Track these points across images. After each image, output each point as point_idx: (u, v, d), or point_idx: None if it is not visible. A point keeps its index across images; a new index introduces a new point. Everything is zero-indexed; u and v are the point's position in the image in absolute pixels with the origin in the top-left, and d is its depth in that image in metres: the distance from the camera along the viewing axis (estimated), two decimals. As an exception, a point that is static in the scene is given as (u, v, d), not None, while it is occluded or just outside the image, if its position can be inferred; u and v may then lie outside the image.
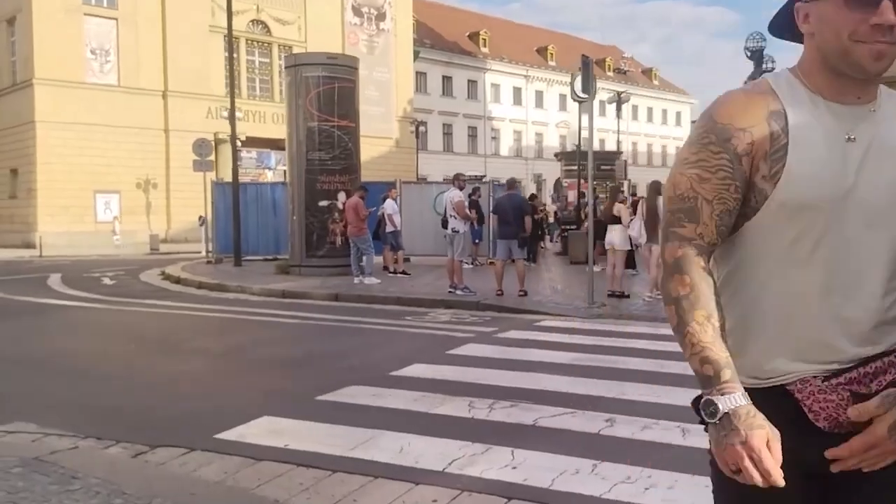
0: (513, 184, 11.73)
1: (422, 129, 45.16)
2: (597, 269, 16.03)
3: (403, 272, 14.99)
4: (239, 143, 30.96)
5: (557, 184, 55.53)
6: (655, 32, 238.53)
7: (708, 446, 1.42)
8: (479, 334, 8.59)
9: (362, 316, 10.32)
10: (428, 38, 55.80)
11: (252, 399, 5.88)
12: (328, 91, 14.94)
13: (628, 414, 5.20)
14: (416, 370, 6.76)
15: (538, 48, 66.26)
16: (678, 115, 77.58)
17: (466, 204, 11.75)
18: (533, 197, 19.81)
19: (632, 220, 11.04)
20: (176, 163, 34.78)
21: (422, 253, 18.06)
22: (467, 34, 61.05)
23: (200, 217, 25.04)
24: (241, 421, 5.18)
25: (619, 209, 10.97)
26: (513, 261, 11.56)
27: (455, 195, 11.64)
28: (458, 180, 11.89)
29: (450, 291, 11.80)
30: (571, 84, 19.45)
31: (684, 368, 5.57)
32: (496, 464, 4.29)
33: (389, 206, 14.81)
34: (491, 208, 11.81)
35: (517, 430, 4.94)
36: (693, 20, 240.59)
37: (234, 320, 10.30)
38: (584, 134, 21.45)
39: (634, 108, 67.01)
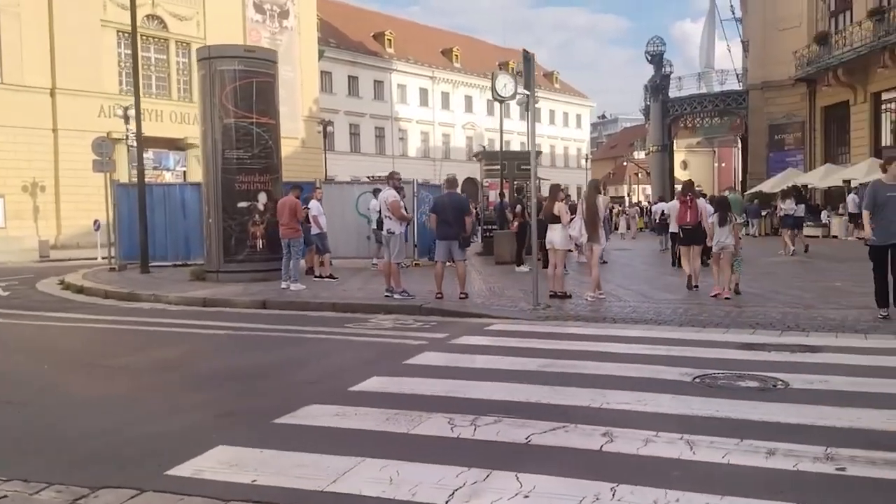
0: (453, 183, 11.29)
1: (329, 129, 44.15)
2: (525, 269, 15.99)
3: (331, 276, 14.29)
4: (136, 143, 29.31)
5: (468, 183, 55.57)
6: (552, 38, 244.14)
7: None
8: (431, 341, 8.09)
9: (297, 324, 9.63)
10: (333, 38, 54.75)
11: (200, 425, 5.18)
12: (246, 86, 14.07)
13: (623, 426, 4.83)
14: (377, 384, 6.20)
15: (443, 50, 66.28)
16: (578, 117, 79.37)
17: (401, 204, 11.18)
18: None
19: (572, 219, 10.80)
20: (66, 164, 32.56)
21: (344, 255, 17.38)
22: (372, 34, 60.35)
23: (96, 221, 23.41)
24: (194, 452, 4.50)
25: (560, 208, 10.70)
26: (453, 262, 11.11)
27: (390, 195, 11.08)
28: (392, 179, 11.33)
29: (386, 295, 11.24)
30: (493, 84, 19.28)
31: (657, 373, 5.27)
32: (505, 493, 3.82)
33: (314, 207, 14.09)
34: (429, 208, 11.36)
35: (513, 451, 4.49)
36: (588, 27, 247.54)
37: (155, 333, 9.39)
38: (500, 134, 21.15)
39: (537, 110, 67.89)
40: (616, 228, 33.15)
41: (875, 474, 3.94)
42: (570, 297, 10.92)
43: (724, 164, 78.87)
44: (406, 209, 11.60)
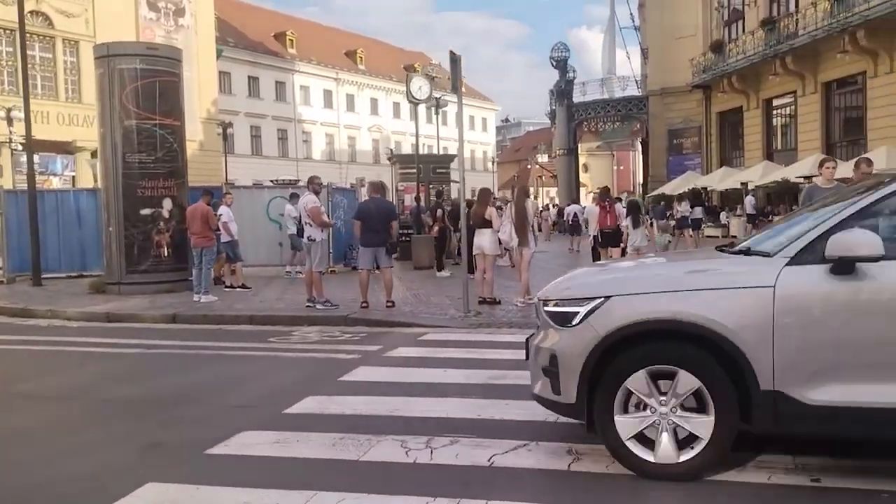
0: (379, 187, 10.90)
1: (229, 131, 42.71)
2: (445, 273, 15.76)
3: (243, 286, 13.59)
4: (19, 147, 27.29)
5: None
6: (452, 42, 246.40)
7: None
8: (364, 354, 7.69)
9: (215, 340, 9.01)
10: (231, 37, 53.08)
11: (125, 458, 4.63)
12: (148, 85, 13.21)
13: (584, 442, 4.60)
14: (315, 405, 5.78)
15: (347, 51, 65.46)
16: (484, 121, 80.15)
17: (323, 210, 10.69)
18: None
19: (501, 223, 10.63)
20: (-62, 169, 30.09)
21: (255, 263, 16.64)
22: (273, 34, 58.88)
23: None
24: (121, 491, 4.02)
25: (492, 213, 10.50)
26: (377, 269, 10.71)
27: (310, 200, 10.56)
28: (312, 184, 10.82)
29: (308, 305, 10.73)
30: (407, 86, 19.04)
31: None
32: (483, 524, 3.52)
33: (225, 213, 13.36)
34: (354, 213, 10.95)
35: (478, 475, 4.19)
36: (487, 32, 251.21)
37: (57, 353, 8.55)
38: (416, 138, 20.93)
39: (444, 113, 68.10)
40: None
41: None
42: (499, 303, 10.73)
43: (622, 168, 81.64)
44: (328, 215, 11.14)
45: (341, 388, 6.29)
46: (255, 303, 11.77)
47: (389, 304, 10.61)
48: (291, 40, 59.33)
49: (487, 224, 10.51)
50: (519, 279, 10.87)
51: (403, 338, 8.67)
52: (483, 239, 10.58)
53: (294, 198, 15.42)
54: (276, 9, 70.67)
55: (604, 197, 13.40)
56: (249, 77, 55.00)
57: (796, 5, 29.97)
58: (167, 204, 13.35)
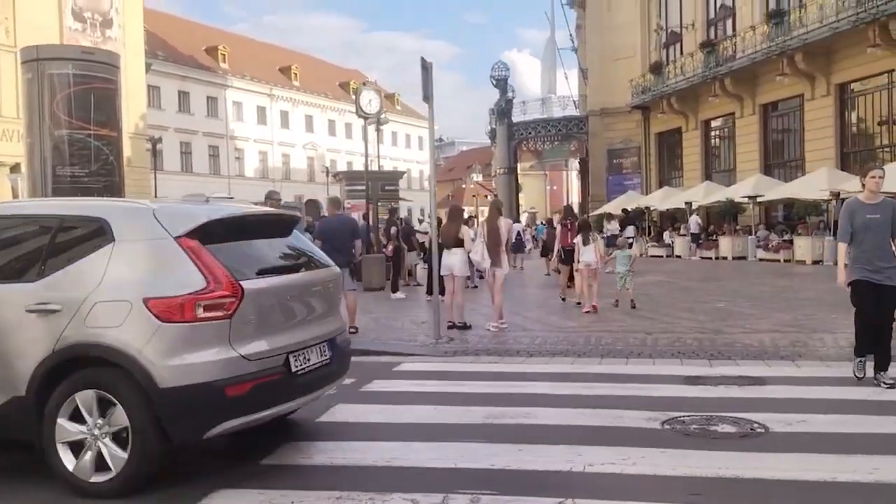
0: (339, 203, 10.15)
1: (158, 146, 41.02)
2: (400, 296, 15.04)
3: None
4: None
5: (310, 205, 53.88)
6: (384, 60, 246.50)
7: None
8: (338, 389, 6.88)
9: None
10: (161, 50, 51.29)
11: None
12: (82, 93, 12.02)
13: (631, 498, 4.01)
14: (295, 453, 5.04)
15: (281, 67, 64.22)
16: (420, 139, 79.74)
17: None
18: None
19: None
20: None
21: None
22: (204, 48, 57.24)
23: None
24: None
25: (465, 232, 9.88)
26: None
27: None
28: (271, 200, 10.00)
29: (263, 333, 9.85)
30: (357, 101, 18.33)
31: (619, 419, 4.34)
32: None
33: (167, 232, 12.33)
34: (315, 233, 10.15)
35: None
36: (419, 52, 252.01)
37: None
38: (365, 155, 20.19)
39: (380, 131, 67.49)
40: None
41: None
42: (469, 327, 10.09)
43: (555, 188, 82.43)
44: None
45: (322, 432, 5.54)
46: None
47: (353, 329, 9.81)
48: (224, 55, 57.78)
49: (459, 243, 9.88)
50: (491, 302, 10.26)
51: (377, 368, 7.92)
52: (453, 259, 9.94)
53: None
54: (208, 23, 68.73)
55: (566, 216, 13.91)
56: (180, 92, 53.22)
57: (734, 28, 30.63)
58: (102, 222, 12.26)
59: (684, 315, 11.07)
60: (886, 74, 23.31)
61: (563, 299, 13.20)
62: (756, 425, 5.25)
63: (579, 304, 12.22)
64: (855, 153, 25.43)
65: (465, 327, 10.04)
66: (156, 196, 36.24)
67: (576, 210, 46.07)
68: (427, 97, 9.09)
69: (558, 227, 13.65)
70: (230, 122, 57.18)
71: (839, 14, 23.15)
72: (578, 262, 12.10)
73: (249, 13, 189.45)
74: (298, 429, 5.60)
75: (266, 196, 10.17)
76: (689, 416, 5.52)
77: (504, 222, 10.08)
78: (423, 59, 9.16)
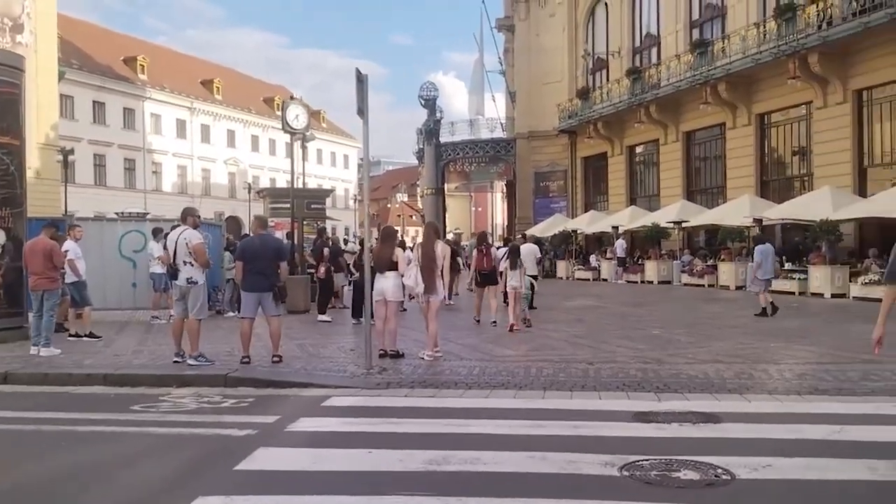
0: (264, 222, 9.43)
1: (70, 158, 38.91)
2: (326, 318, 14.32)
3: (91, 334, 11.52)
4: None
5: (231, 222, 52.17)
6: (310, 78, 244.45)
7: None
8: (261, 429, 6.20)
9: (60, 408, 7.16)
10: (76, 59, 49.13)
11: None
12: (-21, 96, 11.05)
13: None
14: (208, 512, 4.32)
15: (203, 80, 62.52)
16: (346, 157, 78.91)
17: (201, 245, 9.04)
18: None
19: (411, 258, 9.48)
20: None
21: (102, 307, 14.42)
22: (122, 58, 55.15)
23: None
24: None
25: (399, 255, 9.31)
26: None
27: (194, 237, 8.93)
28: (192, 217, 9.19)
29: (176, 361, 9.03)
30: (283, 115, 17.56)
31: (574, 464, 3.88)
32: None
33: (72, 249, 11.33)
34: (237, 254, 9.38)
35: None
36: (345, 71, 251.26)
37: None
38: (291, 171, 19.42)
39: (305, 148, 66.22)
40: None
41: None
42: (402, 356, 9.50)
43: (480, 209, 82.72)
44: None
45: (243, 484, 4.83)
46: (108, 357, 9.83)
47: (276, 358, 9.12)
48: (143, 66, 55.78)
49: (393, 266, 9.30)
50: (425, 329, 9.70)
51: (303, 404, 7.24)
52: (386, 283, 9.35)
53: (157, 233, 13.54)
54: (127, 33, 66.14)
55: (481, 241, 14.75)
56: (95, 102, 50.99)
57: (659, 56, 31.27)
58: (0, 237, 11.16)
59: (623, 343, 10.77)
60: (804, 106, 24.06)
61: (478, 321, 13.69)
62: (720, 471, 4.85)
63: (494, 322, 13.06)
64: (774, 181, 26.15)
65: (397, 356, 9.45)
66: (65, 210, 34.27)
67: (500, 232, 45.84)
68: (362, 110, 8.52)
69: (474, 252, 14.15)
70: (148, 135, 55.10)
71: (761, 46, 23.84)
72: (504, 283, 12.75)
73: (171, 26, 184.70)
74: (213, 479, 4.89)
75: (183, 212, 9.35)
76: (647, 460, 5.09)
77: (441, 246, 9.56)
78: (358, 70, 8.61)
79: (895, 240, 18.96)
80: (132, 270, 15.34)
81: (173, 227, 9.92)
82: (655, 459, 5.09)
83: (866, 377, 7.83)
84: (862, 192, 21.72)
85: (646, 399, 7.13)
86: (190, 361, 8.89)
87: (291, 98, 18.88)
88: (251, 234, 10.33)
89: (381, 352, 9.44)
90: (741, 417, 6.34)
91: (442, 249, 9.48)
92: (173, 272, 8.97)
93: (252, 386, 8.14)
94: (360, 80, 8.57)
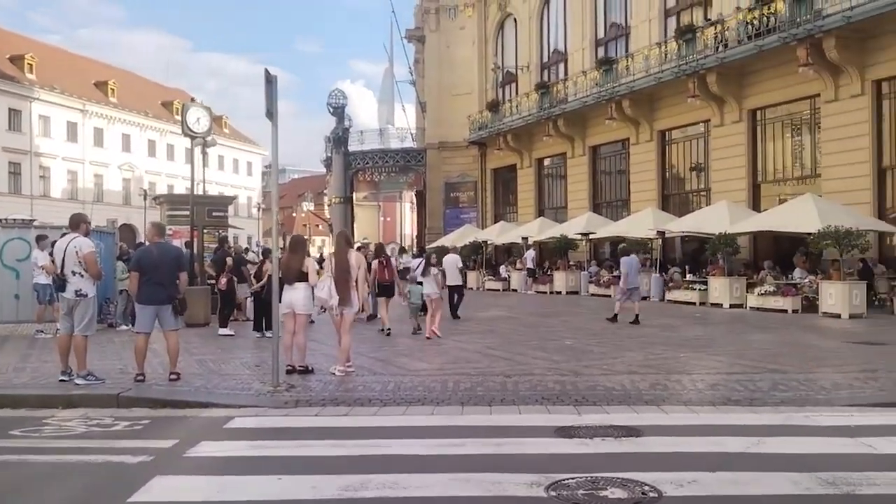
0: (162, 230, 8.79)
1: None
2: (228, 331, 13.64)
3: (-35, 352, 10.52)
4: None
5: (125, 230, 49.62)
6: (212, 83, 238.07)
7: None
8: (157, 455, 5.67)
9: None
10: (-45, 54, 45.90)
11: None
12: None
13: None
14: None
15: (97, 82, 59.58)
16: (249, 164, 76.95)
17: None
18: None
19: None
20: None
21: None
22: (9, 56, 51.87)
23: None
24: None
25: (310, 265, 8.87)
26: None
27: (84, 245, 8.22)
28: (84, 224, 8.47)
29: (63, 380, 8.29)
30: (183, 118, 16.74)
31: (499, 485, 3.70)
32: None
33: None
34: (132, 264, 8.66)
35: None
36: (248, 76, 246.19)
37: None
38: (192, 176, 18.58)
39: (206, 154, 64.04)
40: None
41: None
42: (312, 371, 9.05)
43: (388, 219, 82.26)
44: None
45: (135, 517, 4.34)
46: (-17, 376, 8.95)
47: (174, 376, 8.50)
48: (31, 65, 52.67)
49: (302, 277, 8.86)
50: (337, 342, 9.29)
51: (204, 425, 6.72)
52: (296, 295, 8.89)
53: (42, 240, 12.56)
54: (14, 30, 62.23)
55: (379, 253, 14.78)
56: (-25, 101, 47.74)
57: (566, 72, 31.87)
58: None
59: (538, 354, 10.66)
60: (703, 124, 24.97)
61: (381, 330, 13.59)
62: (647, 488, 4.71)
63: (389, 331, 13.38)
64: (675, 195, 27.02)
65: (306, 371, 8.99)
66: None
67: (408, 243, 45.68)
68: (271, 112, 8.08)
69: (374, 263, 13.97)
70: (35, 138, 51.98)
71: (663, 65, 24.61)
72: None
73: (62, 25, 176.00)
74: (102, 515, 4.38)
75: (72, 219, 8.60)
76: (573, 478, 4.89)
77: (355, 256, 9.18)
78: (267, 71, 8.16)
79: (787, 252, 19.98)
80: (15, 281, 14.26)
81: (62, 235, 9.15)
82: (581, 478, 4.91)
83: (775, 387, 7.96)
84: (756, 206, 22.69)
85: (566, 413, 6.98)
86: (77, 380, 8.17)
87: (192, 100, 18.01)
88: (147, 243, 9.64)
89: (289, 367, 8.96)
90: (662, 430, 6.28)
91: (356, 259, 9.12)
92: (60, 283, 8.23)
93: (147, 407, 7.53)
94: (270, 80, 8.14)
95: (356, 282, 9.02)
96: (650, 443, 5.88)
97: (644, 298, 22.04)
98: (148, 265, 8.32)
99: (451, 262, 17.56)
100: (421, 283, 13.74)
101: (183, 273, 8.57)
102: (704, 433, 6.18)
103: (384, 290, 14.21)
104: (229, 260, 14.36)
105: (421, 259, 17.30)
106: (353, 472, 5.08)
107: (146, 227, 9.22)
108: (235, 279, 15.18)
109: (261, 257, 16.72)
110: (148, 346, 8.66)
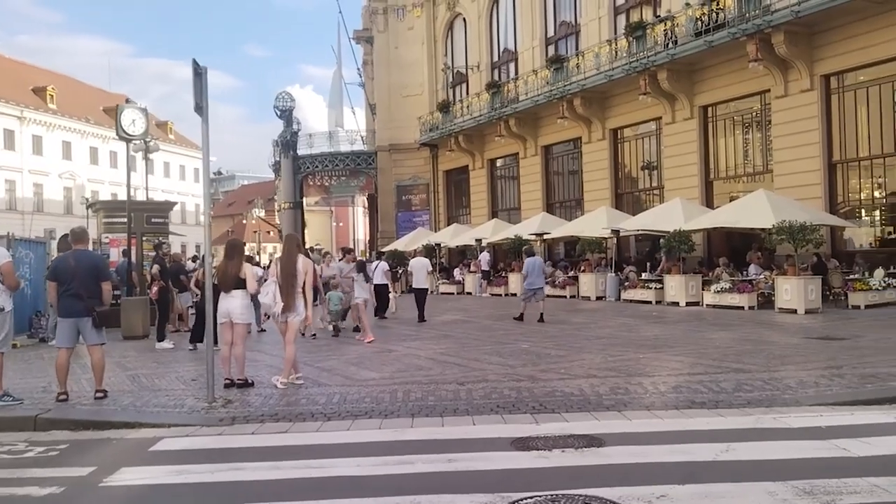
0: (82, 236, 8.08)
1: None
2: (167, 345, 12.90)
3: None
4: None
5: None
6: (157, 89, 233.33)
7: None
8: (68, 485, 5.04)
9: None
10: None
11: None
12: None
13: None
14: None
15: (35, 88, 57.52)
16: (196, 171, 75.14)
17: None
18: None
19: (264, 282, 8.46)
20: None
21: None
22: (-63, 61, 49.80)
23: None
24: None
25: (248, 271, 8.26)
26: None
27: (1, 255, 7.52)
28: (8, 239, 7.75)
29: (-26, 403, 7.54)
30: (117, 120, 15.93)
31: None
32: None
33: None
34: (48, 273, 7.90)
35: None
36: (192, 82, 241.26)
37: None
38: (127, 181, 17.86)
39: (151, 161, 62.28)
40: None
41: None
42: (252, 385, 8.45)
43: (341, 224, 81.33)
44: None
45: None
46: None
47: (100, 394, 7.83)
48: (-37, 69, 50.59)
49: (240, 284, 8.26)
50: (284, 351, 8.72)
51: (127, 448, 6.10)
52: (233, 303, 8.28)
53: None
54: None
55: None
56: None
57: (516, 71, 31.62)
58: None
59: (493, 359, 10.21)
60: (655, 121, 24.91)
61: (303, 334, 13.07)
62: (613, 506, 4.27)
63: (314, 335, 13.60)
64: (628, 194, 26.92)
65: (246, 385, 8.39)
66: None
67: (361, 247, 44.88)
68: (200, 107, 7.47)
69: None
70: (-30, 145, 49.93)
71: (614, 63, 24.46)
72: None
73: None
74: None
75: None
76: (532, 497, 4.44)
77: (302, 261, 8.61)
78: (195, 62, 7.55)
79: (741, 249, 19.99)
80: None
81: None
82: (542, 496, 4.45)
83: (739, 388, 7.63)
84: (709, 203, 22.67)
85: (522, 422, 6.53)
86: (-8, 402, 7.44)
87: (127, 101, 17.19)
88: (64, 252, 8.92)
89: (228, 381, 8.36)
90: (624, 439, 5.86)
91: (304, 265, 8.54)
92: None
93: (68, 429, 6.86)
94: (199, 73, 7.53)
95: (303, 288, 8.45)
96: (614, 453, 5.45)
97: (599, 298, 21.93)
98: (64, 274, 7.64)
99: (420, 265, 17.75)
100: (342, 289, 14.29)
101: (106, 283, 7.88)
102: (670, 440, 5.78)
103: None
104: (156, 267, 13.54)
105: (378, 262, 17.26)
106: (291, 500, 4.56)
107: (69, 234, 8.45)
108: (177, 288, 14.47)
109: (198, 264, 15.98)
110: (70, 361, 7.96)
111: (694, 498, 4.41)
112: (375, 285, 15.39)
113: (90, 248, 8.56)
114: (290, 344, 8.44)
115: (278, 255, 15.14)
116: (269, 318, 9.13)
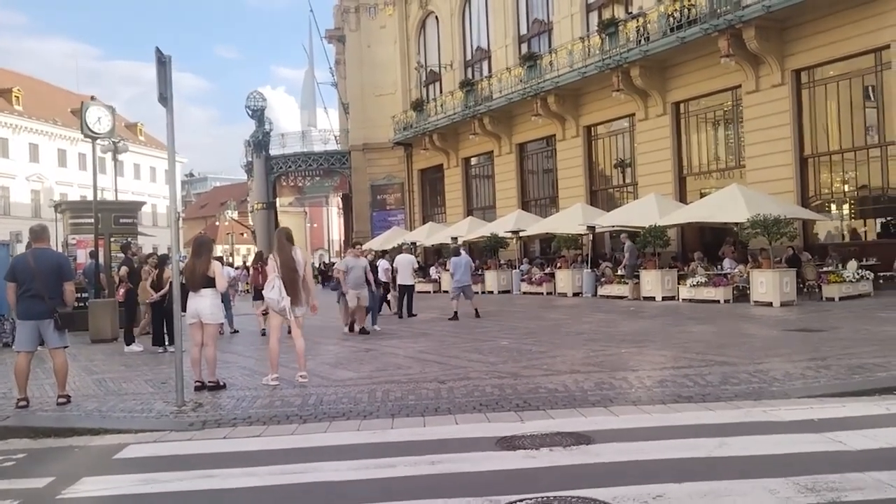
0: (42, 234, 7.70)
1: None
2: (136, 348, 12.51)
3: None
4: None
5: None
6: (127, 91, 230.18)
7: None
8: (24, 498, 4.71)
9: None
10: None
11: None
12: None
13: None
14: None
15: (0, 90, 56.18)
16: (167, 173, 74.06)
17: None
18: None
19: (238, 276, 8.12)
20: None
21: None
22: None
23: None
24: None
25: (216, 269, 7.95)
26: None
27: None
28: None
29: (-73, 412, 7.14)
30: (83, 117, 15.45)
31: None
32: None
33: None
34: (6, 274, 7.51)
35: None
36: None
37: None
38: (94, 182, 17.27)
39: (120, 162, 61.28)
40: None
41: None
42: (223, 387, 8.13)
43: (315, 225, 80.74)
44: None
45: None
46: None
47: (63, 399, 7.47)
48: (-74, 70, 49.30)
49: (209, 283, 7.94)
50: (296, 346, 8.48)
51: (90, 457, 5.76)
52: (202, 303, 7.96)
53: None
54: None
55: (257, 260, 14.23)
56: None
57: (490, 69, 31.45)
58: None
59: (474, 356, 9.99)
60: (628, 118, 24.86)
61: (263, 333, 13.08)
62: (607, 507, 4.05)
63: (264, 332, 12.98)
64: (602, 191, 26.87)
65: (217, 387, 8.07)
66: None
67: (337, 248, 44.44)
68: (164, 97, 7.14)
69: (251, 270, 14.64)
70: (-68, 148, 48.68)
71: (587, 60, 24.38)
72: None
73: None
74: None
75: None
76: (523, 500, 4.20)
77: (300, 252, 8.34)
78: (158, 51, 7.22)
79: (714, 244, 20.06)
80: None
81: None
82: (531, 499, 4.22)
83: (726, 381, 7.48)
84: (682, 199, 22.67)
85: (507, 420, 6.30)
86: (-54, 410, 7.05)
87: (92, 98, 16.72)
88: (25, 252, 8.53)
89: (198, 384, 8.04)
90: (613, 436, 5.65)
91: (303, 255, 8.30)
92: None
93: (27, 437, 6.50)
94: (162, 62, 7.20)
95: (304, 280, 8.19)
96: (603, 451, 5.24)
97: (577, 294, 21.83)
98: (24, 274, 7.26)
99: (406, 261, 17.95)
100: None
101: (69, 283, 7.51)
102: (661, 436, 5.58)
103: (259, 294, 13.41)
104: (124, 269, 13.12)
105: (380, 260, 17.68)
106: (263, 508, 4.27)
107: (29, 233, 8.07)
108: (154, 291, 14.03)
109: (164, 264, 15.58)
110: (31, 366, 7.59)
111: (692, 497, 4.20)
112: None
113: (51, 246, 8.15)
114: (298, 338, 8.32)
115: (259, 253, 14.90)
116: (266, 314, 8.82)
